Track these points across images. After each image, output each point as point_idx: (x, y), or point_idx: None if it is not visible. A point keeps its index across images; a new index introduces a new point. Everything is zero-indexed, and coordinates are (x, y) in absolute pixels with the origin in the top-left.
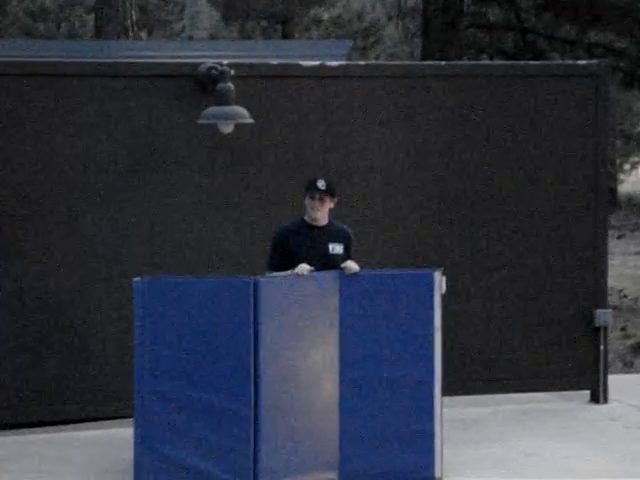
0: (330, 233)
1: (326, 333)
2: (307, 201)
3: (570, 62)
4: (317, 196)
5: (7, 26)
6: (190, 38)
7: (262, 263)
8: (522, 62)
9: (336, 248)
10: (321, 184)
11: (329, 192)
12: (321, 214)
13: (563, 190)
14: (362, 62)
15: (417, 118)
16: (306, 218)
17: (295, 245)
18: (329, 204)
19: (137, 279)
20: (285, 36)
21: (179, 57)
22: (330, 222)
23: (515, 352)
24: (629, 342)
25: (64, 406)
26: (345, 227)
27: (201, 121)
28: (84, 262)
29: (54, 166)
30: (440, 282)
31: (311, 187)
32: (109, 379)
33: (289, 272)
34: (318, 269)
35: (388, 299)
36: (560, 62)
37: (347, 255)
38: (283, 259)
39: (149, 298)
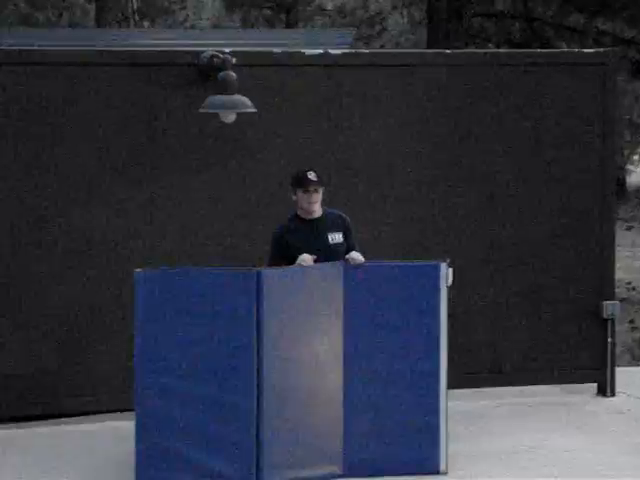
0: (327, 223)
1: (330, 325)
2: (300, 195)
3: (578, 50)
4: (312, 189)
5: (7, 15)
6: (192, 27)
7: (264, 254)
8: (529, 50)
9: (336, 237)
10: (312, 175)
11: (321, 182)
12: (317, 206)
13: (571, 181)
14: (366, 50)
15: (422, 107)
16: (299, 212)
17: (294, 242)
18: (321, 194)
19: (138, 270)
20: (289, 25)
21: (181, 45)
22: (324, 211)
23: (521, 345)
24: (637, 335)
25: (62, 399)
26: (340, 213)
27: (203, 110)
28: (83, 254)
29: (52, 155)
30: (446, 274)
31: (303, 181)
32: (108, 372)
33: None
34: (321, 261)
35: (393, 291)
36: (568, 50)
37: (347, 242)
38: (284, 258)
39: (150, 290)
